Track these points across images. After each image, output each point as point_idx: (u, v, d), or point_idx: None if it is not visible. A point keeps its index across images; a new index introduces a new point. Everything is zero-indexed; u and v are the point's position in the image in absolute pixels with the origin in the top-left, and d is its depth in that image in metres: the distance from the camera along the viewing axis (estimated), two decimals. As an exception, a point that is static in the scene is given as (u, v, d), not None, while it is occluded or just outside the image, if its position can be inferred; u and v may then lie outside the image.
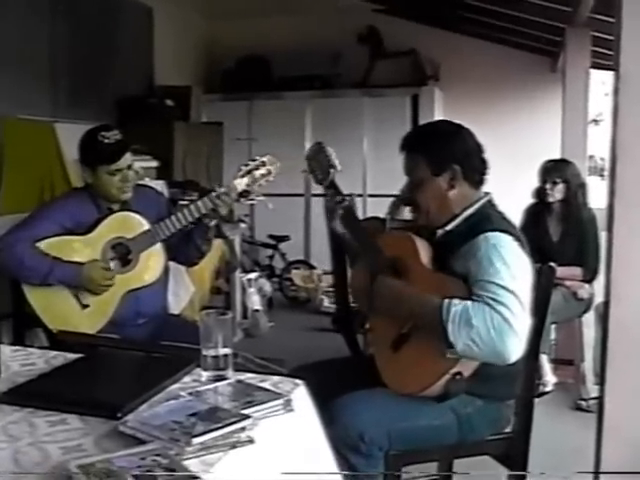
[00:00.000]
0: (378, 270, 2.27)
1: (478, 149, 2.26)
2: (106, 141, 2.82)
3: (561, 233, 4.25)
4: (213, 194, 2.82)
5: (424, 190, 2.24)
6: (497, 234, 2.08)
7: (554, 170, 4.22)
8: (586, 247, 4.12)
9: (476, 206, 2.23)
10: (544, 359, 3.97)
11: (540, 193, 4.29)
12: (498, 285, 1.97)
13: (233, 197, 2.86)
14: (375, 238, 2.37)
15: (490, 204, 2.26)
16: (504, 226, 2.15)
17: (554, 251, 4.11)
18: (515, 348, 1.94)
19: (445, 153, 2.22)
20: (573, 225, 4.20)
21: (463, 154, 2.22)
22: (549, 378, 4.00)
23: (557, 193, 4.20)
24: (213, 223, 2.93)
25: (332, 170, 2.38)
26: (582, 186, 4.28)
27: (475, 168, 2.25)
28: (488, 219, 2.17)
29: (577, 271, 4.11)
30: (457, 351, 1.97)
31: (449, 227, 2.24)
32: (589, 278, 4.12)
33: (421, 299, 2.10)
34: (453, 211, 2.23)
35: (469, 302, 1.98)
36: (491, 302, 1.95)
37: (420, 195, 2.25)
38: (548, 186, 4.19)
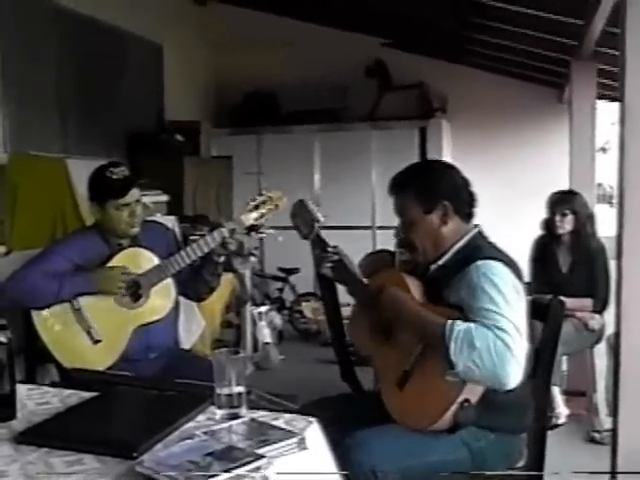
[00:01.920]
0: (375, 314, 2.31)
1: (465, 183, 2.32)
2: (114, 177, 2.87)
3: (570, 264, 4.26)
4: (222, 229, 2.85)
5: (417, 229, 2.28)
6: (487, 262, 2.11)
7: (562, 202, 4.23)
8: (596, 277, 4.11)
9: (466, 238, 2.28)
10: (556, 391, 3.95)
11: (549, 225, 4.30)
12: (496, 312, 2.01)
13: (242, 232, 2.90)
14: (368, 284, 2.43)
15: (480, 235, 2.31)
16: (494, 254, 2.18)
17: (564, 282, 4.13)
18: (514, 374, 1.97)
19: (435, 190, 2.27)
20: (582, 256, 4.21)
21: (452, 189, 2.28)
22: (561, 410, 3.97)
23: (567, 225, 4.21)
24: (222, 259, 2.96)
25: (316, 224, 2.47)
26: (590, 217, 4.29)
27: (464, 202, 2.30)
28: (479, 249, 2.21)
29: (587, 302, 4.11)
30: (458, 372, 1.99)
31: (441, 261, 2.28)
32: (599, 309, 4.11)
33: (426, 315, 2.14)
34: (446, 245, 2.27)
35: (472, 324, 2.01)
36: (493, 328, 1.98)
37: (414, 234, 2.30)
38: (557, 218, 4.20)
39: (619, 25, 2.44)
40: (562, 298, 2.37)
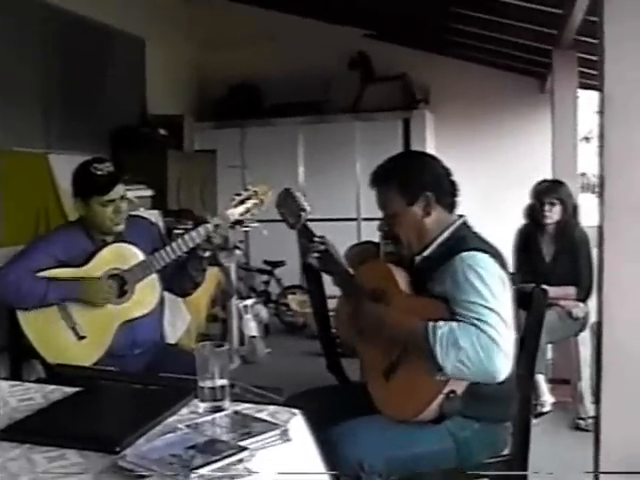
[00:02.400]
0: (360, 304, 2.31)
1: (446, 173, 2.31)
2: (98, 173, 2.85)
3: (554, 253, 4.28)
4: (207, 224, 2.84)
5: (401, 221, 2.28)
6: (472, 253, 2.11)
7: (550, 191, 4.24)
8: (579, 266, 4.13)
9: (451, 229, 2.27)
10: (541, 379, 3.97)
11: (534, 213, 4.30)
12: (481, 305, 2.01)
13: (227, 227, 2.89)
14: (354, 274, 2.42)
15: (465, 226, 2.30)
16: (479, 245, 2.17)
17: (548, 272, 4.15)
18: (503, 366, 1.97)
19: (416, 181, 2.27)
20: (566, 245, 4.23)
21: (434, 180, 2.28)
22: (546, 398, 3.99)
23: (555, 214, 4.21)
24: (207, 254, 2.94)
25: (302, 213, 2.45)
26: (575, 207, 4.32)
27: (446, 192, 2.29)
28: (463, 240, 2.21)
29: (571, 290, 4.13)
30: (447, 373, 1.99)
31: (426, 253, 2.27)
32: (583, 297, 4.14)
33: (406, 323, 2.13)
34: (431, 236, 2.27)
35: (454, 323, 2.01)
36: (476, 322, 1.98)
37: (398, 227, 2.29)
38: (546, 208, 4.20)
39: (597, 14, 2.44)
40: (545, 287, 2.39)
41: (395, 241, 2.33)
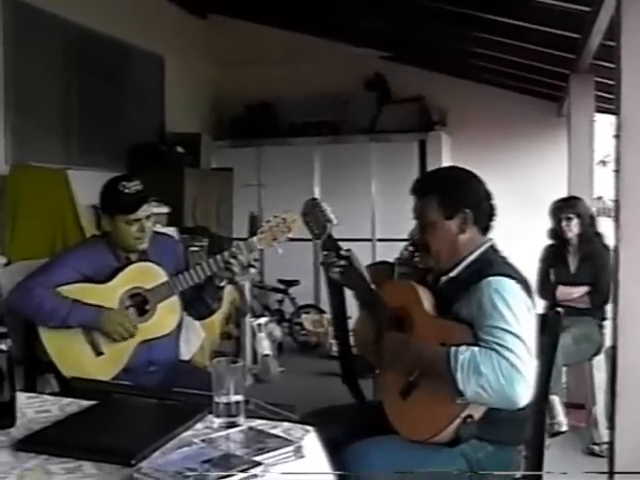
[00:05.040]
0: (382, 323, 2.31)
1: (487, 195, 2.32)
2: (126, 191, 2.86)
3: (577, 263, 4.42)
4: (233, 249, 2.84)
5: (435, 233, 2.28)
6: (499, 278, 2.11)
7: (566, 207, 4.41)
8: (600, 272, 4.24)
9: (479, 251, 2.27)
10: (556, 400, 3.92)
11: (556, 232, 4.45)
12: (504, 330, 2.01)
13: (254, 253, 2.88)
14: (377, 291, 2.39)
15: (492, 249, 2.30)
16: (506, 270, 2.17)
17: (571, 280, 4.37)
18: (524, 393, 1.97)
19: (458, 197, 2.27)
20: (588, 254, 4.37)
21: (475, 199, 2.28)
22: (562, 418, 3.92)
23: (574, 228, 4.37)
24: (224, 283, 2.94)
25: (329, 224, 2.41)
26: (592, 218, 4.50)
27: (485, 213, 2.30)
28: (490, 264, 2.20)
29: (582, 289, 4.32)
30: (467, 398, 1.99)
31: (453, 273, 2.27)
32: (598, 301, 4.25)
33: (429, 351, 2.13)
34: (460, 255, 2.27)
35: (476, 349, 2.01)
36: (498, 348, 1.98)
37: (431, 237, 2.29)
38: (564, 223, 4.36)
39: (614, 38, 2.46)
40: (559, 310, 2.38)
41: (424, 251, 2.33)
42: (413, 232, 2.37)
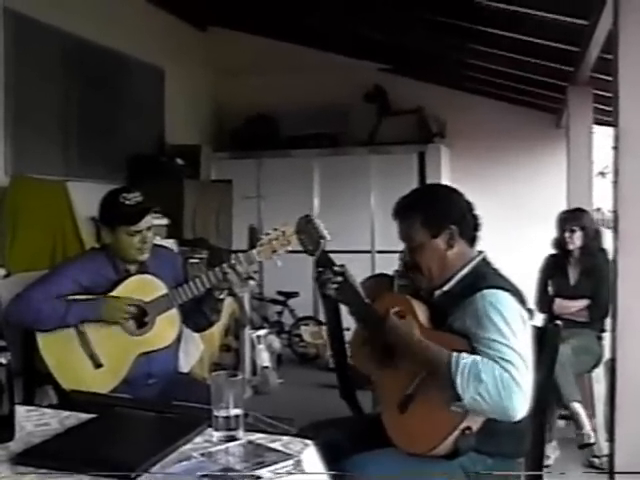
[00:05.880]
0: (378, 336, 2.30)
1: (469, 207, 2.33)
2: (127, 202, 2.87)
3: (578, 275, 4.42)
4: (232, 261, 2.85)
5: (424, 253, 2.28)
6: (493, 291, 2.11)
7: (571, 219, 4.43)
8: (600, 286, 4.22)
9: (471, 265, 2.28)
10: (581, 410, 3.83)
11: (560, 242, 4.47)
12: (502, 343, 2.01)
13: (253, 265, 2.89)
14: (372, 305, 2.39)
15: (485, 262, 2.31)
16: (499, 282, 2.18)
17: (570, 293, 4.37)
18: (521, 406, 1.97)
19: (441, 214, 2.28)
20: (589, 267, 4.38)
21: (458, 213, 2.29)
22: (589, 430, 3.80)
23: (576, 240, 4.38)
24: (223, 296, 2.95)
25: (322, 241, 2.42)
26: (597, 232, 4.50)
27: (470, 226, 2.31)
28: (483, 277, 2.21)
29: (582, 302, 4.31)
30: (464, 404, 1.99)
31: (446, 287, 2.28)
32: (597, 315, 4.25)
33: (430, 348, 2.13)
34: (452, 270, 2.28)
35: (478, 357, 2.01)
36: (499, 360, 1.99)
37: (420, 258, 2.30)
38: (567, 234, 4.38)
39: (612, 51, 2.47)
40: (558, 322, 2.38)
41: (416, 272, 2.34)
42: (402, 255, 2.37)
